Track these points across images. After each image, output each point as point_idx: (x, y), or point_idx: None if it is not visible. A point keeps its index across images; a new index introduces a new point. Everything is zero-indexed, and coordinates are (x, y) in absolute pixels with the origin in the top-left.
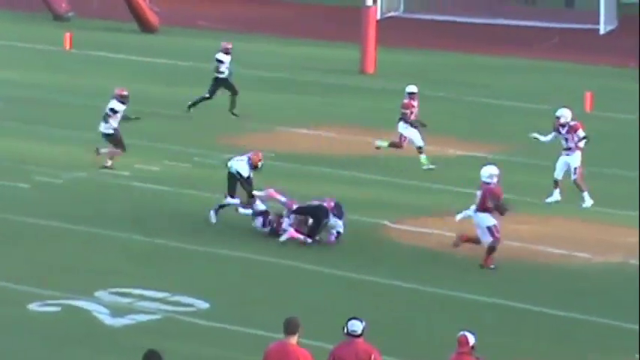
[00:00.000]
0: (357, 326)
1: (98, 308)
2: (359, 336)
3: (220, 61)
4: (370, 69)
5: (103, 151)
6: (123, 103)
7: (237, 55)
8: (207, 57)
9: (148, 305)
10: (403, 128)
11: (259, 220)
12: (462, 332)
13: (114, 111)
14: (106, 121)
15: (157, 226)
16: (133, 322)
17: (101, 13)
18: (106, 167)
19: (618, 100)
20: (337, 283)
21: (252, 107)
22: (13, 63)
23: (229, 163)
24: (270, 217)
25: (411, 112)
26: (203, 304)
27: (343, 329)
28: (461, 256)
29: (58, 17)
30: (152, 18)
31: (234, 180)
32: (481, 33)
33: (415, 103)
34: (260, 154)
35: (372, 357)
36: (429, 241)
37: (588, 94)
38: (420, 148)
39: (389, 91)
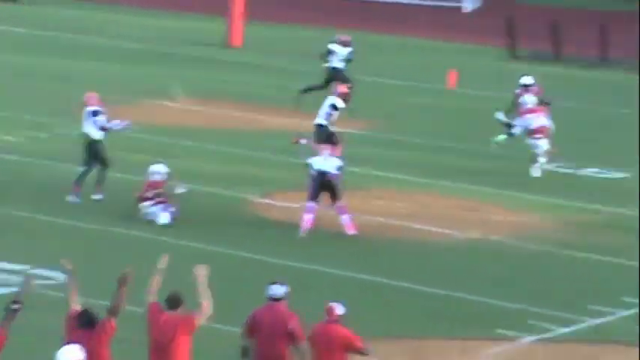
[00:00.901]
0: (277, 289)
1: None
2: (279, 300)
3: (331, 52)
4: (237, 42)
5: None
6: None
7: (100, 25)
8: (67, 27)
9: (7, 278)
10: None
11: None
12: (330, 302)
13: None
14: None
15: (15, 198)
16: None
17: None
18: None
19: (480, 78)
20: (198, 258)
21: (115, 79)
22: None
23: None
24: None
25: None
26: (63, 277)
27: (265, 293)
28: (324, 230)
29: None
30: None
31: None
32: (352, 9)
33: None
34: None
35: (289, 327)
36: (295, 216)
37: (452, 72)
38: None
39: (255, 65)
